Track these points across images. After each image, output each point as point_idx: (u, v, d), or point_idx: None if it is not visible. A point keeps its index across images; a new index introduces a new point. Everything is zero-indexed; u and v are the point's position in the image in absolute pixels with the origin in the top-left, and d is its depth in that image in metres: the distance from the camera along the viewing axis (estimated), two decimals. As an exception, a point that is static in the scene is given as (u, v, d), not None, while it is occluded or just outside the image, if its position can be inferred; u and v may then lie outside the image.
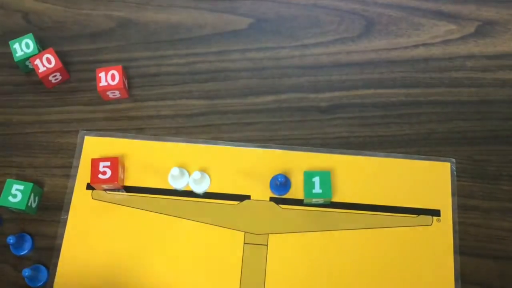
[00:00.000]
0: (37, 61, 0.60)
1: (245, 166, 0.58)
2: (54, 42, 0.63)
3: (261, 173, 0.58)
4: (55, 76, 0.61)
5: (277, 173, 0.57)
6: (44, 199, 0.57)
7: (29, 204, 0.55)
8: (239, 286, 0.54)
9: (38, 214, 0.57)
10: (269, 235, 0.55)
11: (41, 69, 0.60)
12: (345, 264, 0.54)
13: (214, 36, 0.64)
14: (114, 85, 0.59)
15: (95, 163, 0.55)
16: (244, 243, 0.55)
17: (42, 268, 0.54)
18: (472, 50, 0.62)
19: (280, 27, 0.64)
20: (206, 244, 0.55)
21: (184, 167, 0.58)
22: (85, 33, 0.64)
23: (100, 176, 0.55)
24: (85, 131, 0.59)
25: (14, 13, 0.65)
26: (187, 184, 0.57)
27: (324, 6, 0.65)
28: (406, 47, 0.63)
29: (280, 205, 0.57)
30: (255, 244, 0.55)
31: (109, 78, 0.59)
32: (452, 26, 0.63)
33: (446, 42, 0.63)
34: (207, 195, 0.57)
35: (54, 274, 0.54)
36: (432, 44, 0.63)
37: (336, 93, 0.61)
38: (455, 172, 0.57)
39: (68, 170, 0.58)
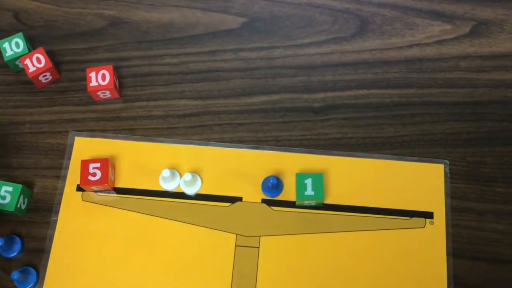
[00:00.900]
0: (27, 61, 0.59)
1: (237, 168, 0.57)
2: (45, 41, 0.63)
3: (253, 174, 0.57)
4: (45, 76, 0.60)
5: (269, 174, 0.56)
6: (34, 200, 0.57)
7: (18, 206, 0.54)
8: (230, 289, 0.53)
9: (28, 215, 0.56)
10: (261, 237, 0.55)
11: (31, 69, 0.59)
12: (337, 267, 0.54)
13: (206, 36, 0.63)
14: (105, 85, 0.58)
15: (84, 164, 0.55)
16: (236, 245, 0.55)
17: (32, 270, 0.54)
18: (467, 50, 0.62)
19: (274, 26, 0.63)
20: (197, 246, 0.55)
21: (175, 168, 0.57)
22: (76, 32, 0.64)
23: (90, 177, 0.54)
24: (75, 132, 0.59)
25: (4, 12, 0.65)
26: (178, 186, 0.57)
27: (318, 6, 0.64)
28: (400, 47, 0.62)
29: (272, 207, 0.56)
30: (247, 246, 0.55)
31: (99, 78, 0.59)
32: (447, 26, 0.63)
33: (440, 42, 0.62)
34: (199, 196, 0.57)
35: (44, 277, 0.54)
36: (427, 44, 0.62)
37: (330, 94, 0.60)
38: (448, 174, 0.57)
39: (59, 171, 0.58)
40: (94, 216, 0.56)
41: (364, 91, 0.60)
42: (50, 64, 0.59)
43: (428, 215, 0.55)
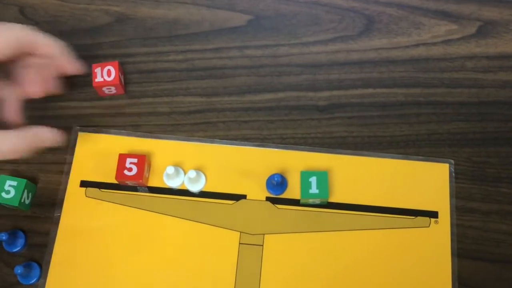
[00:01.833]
0: (32, 56, 0.59)
1: (241, 165, 0.57)
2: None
3: (258, 172, 0.57)
4: (50, 71, 0.60)
5: (273, 172, 0.56)
6: (38, 195, 0.57)
7: (22, 201, 0.54)
8: (233, 287, 0.53)
9: (32, 210, 0.56)
10: (265, 235, 0.55)
11: (36, 63, 0.59)
12: (342, 266, 0.54)
13: (212, 33, 0.63)
14: (110, 81, 0.58)
15: (122, 158, 0.55)
16: (240, 243, 0.54)
17: (35, 265, 0.54)
18: (473, 50, 0.61)
19: (279, 24, 0.63)
20: (201, 243, 0.55)
21: (179, 166, 0.57)
22: (81, 28, 0.64)
23: (126, 172, 0.54)
24: (79, 127, 0.59)
25: (10, 7, 0.65)
26: (182, 183, 0.56)
27: (324, 4, 0.64)
28: (406, 47, 0.62)
29: (276, 205, 0.56)
30: (251, 244, 0.54)
31: (105, 74, 0.58)
32: (453, 26, 0.63)
33: (447, 42, 0.62)
34: (203, 194, 0.56)
35: (47, 272, 0.54)
36: (433, 44, 0.62)
37: (335, 92, 0.60)
38: (453, 174, 0.56)
39: (62, 167, 0.58)
40: (98, 212, 0.56)
41: (370, 90, 0.60)
42: (55, 59, 0.59)
43: (433, 214, 0.55)
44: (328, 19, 0.63)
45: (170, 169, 0.55)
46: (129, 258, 0.54)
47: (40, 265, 0.54)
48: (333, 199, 0.56)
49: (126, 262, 0.54)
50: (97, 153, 0.58)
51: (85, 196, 0.56)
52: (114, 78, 0.58)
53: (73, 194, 0.56)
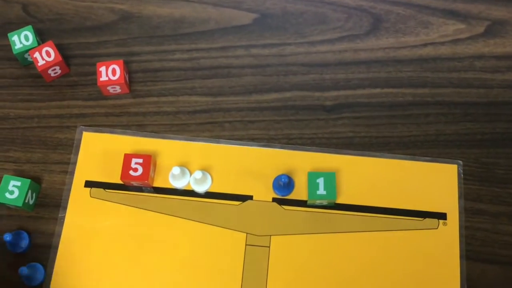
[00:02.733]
0: (37, 54, 0.58)
1: (247, 166, 0.57)
2: (54, 35, 0.62)
3: (264, 173, 0.56)
4: (54, 69, 0.59)
5: (280, 173, 0.56)
6: (42, 195, 0.56)
7: (26, 201, 0.54)
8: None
9: (36, 211, 0.56)
10: (272, 236, 0.54)
11: (41, 62, 0.58)
12: (349, 267, 0.53)
13: (217, 31, 0.62)
14: (115, 80, 0.58)
15: (127, 158, 0.54)
16: (246, 245, 0.54)
17: (39, 266, 0.53)
18: (482, 50, 0.61)
19: (286, 23, 0.63)
20: (207, 245, 0.54)
21: (185, 166, 0.56)
22: (86, 26, 0.63)
23: (131, 172, 0.54)
24: (83, 127, 0.58)
25: (13, 4, 0.64)
26: (188, 183, 0.56)
27: (331, 3, 0.63)
28: (414, 46, 0.61)
29: (283, 206, 0.55)
30: (257, 245, 0.54)
31: (109, 73, 0.58)
32: (461, 26, 0.62)
33: (455, 41, 0.61)
34: (209, 194, 0.56)
35: (51, 273, 0.53)
36: (441, 43, 0.61)
37: (342, 92, 0.60)
38: (462, 175, 0.56)
39: (67, 166, 0.57)
40: (103, 213, 0.55)
41: (378, 90, 0.60)
42: (59, 58, 0.58)
43: (441, 216, 0.55)
44: (335, 18, 0.63)
45: (176, 170, 0.54)
46: (134, 259, 0.54)
47: (44, 266, 0.53)
48: (341, 200, 0.55)
49: (131, 263, 0.53)
50: (101, 153, 0.57)
51: (89, 196, 0.56)
52: (119, 77, 0.58)
53: (78, 194, 0.56)
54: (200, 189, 0.55)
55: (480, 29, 0.62)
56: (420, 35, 0.62)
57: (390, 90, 0.60)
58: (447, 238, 0.54)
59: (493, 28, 0.62)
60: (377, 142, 0.58)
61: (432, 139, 0.58)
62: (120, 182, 0.55)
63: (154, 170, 0.56)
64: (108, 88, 0.59)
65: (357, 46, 0.61)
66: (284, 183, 0.54)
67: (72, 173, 0.57)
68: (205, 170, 0.56)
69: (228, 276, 0.53)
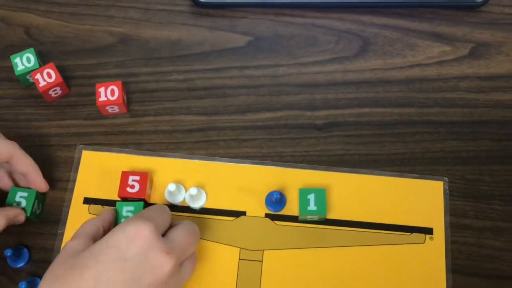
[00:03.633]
0: (38, 76, 0.61)
1: (241, 182, 0.59)
2: (55, 57, 0.64)
3: (257, 189, 0.58)
4: (55, 90, 0.61)
5: (273, 189, 0.57)
6: (42, 211, 0.58)
7: (33, 211, 0.55)
8: (233, 302, 0.54)
9: (36, 227, 0.57)
10: (264, 251, 0.56)
11: (42, 83, 0.60)
12: (339, 281, 0.55)
13: (212, 53, 0.65)
14: (114, 100, 0.60)
15: (124, 175, 0.56)
16: (239, 259, 0.56)
17: (39, 281, 0.55)
18: (466, 71, 0.63)
19: (278, 45, 0.65)
20: (201, 259, 0.56)
21: (181, 183, 0.58)
22: (86, 48, 0.65)
23: (128, 189, 0.56)
24: (82, 146, 0.60)
25: (16, 28, 0.66)
26: (184, 200, 0.58)
27: (321, 26, 0.66)
28: (401, 67, 0.64)
29: (275, 222, 0.57)
30: (250, 260, 0.56)
31: (108, 93, 0.60)
32: (447, 48, 0.64)
33: (440, 63, 0.64)
34: (204, 210, 0.58)
35: None
36: (427, 65, 0.64)
37: (332, 111, 0.62)
38: (447, 191, 0.58)
39: (67, 184, 0.59)
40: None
41: (366, 109, 0.62)
42: (60, 79, 0.61)
43: (428, 231, 0.56)
44: (325, 41, 0.65)
45: (172, 186, 0.56)
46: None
47: (44, 281, 0.55)
48: (331, 215, 0.57)
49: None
50: (100, 171, 0.59)
51: (88, 212, 0.58)
52: (118, 97, 0.60)
53: (77, 210, 0.58)
54: (196, 205, 0.57)
55: (465, 51, 0.64)
56: (407, 57, 0.64)
57: (379, 109, 0.62)
58: (433, 252, 0.56)
59: (477, 50, 0.64)
60: (366, 159, 0.60)
61: (419, 156, 0.60)
62: (118, 198, 0.57)
63: (151, 187, 0.58)
64: (107, 108, 0.61)
65: (346, 68, 0.64)
66: (276, 199, 0.56)
67: (71, 190, 0.58)
68: (200, 186, 0.58)
69: (222, 290, 0.55)
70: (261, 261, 0.56)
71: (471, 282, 0.55)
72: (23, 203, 0.55)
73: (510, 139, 0.60)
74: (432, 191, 0.58)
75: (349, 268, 0.55)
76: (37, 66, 0.61)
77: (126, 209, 0.55)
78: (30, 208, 0.55)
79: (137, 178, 0.56)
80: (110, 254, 0.45)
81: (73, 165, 0.59)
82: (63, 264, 0.46)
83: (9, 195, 0.55)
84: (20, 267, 0.56)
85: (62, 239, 0.57)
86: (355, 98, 0.62)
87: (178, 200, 0.58)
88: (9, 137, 0.61)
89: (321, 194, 0.56)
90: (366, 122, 0.61)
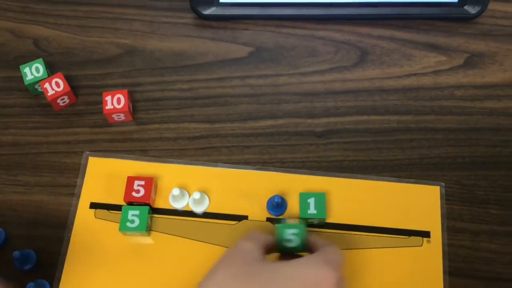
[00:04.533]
0: (47, 85, 0.63)
1: (243, 188, 0.60)
2: (63, 67, 0.66)
3: (259, 194, 0.60)
4: (63, 99, 0.63)
5: (274, 194, 0.59)
6: (49, 216, 0.60)
7: (147, 226, 0.57)
8: (236, 303, 0.55)
9: (43, 231, 0.59)
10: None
11: (50, 92, 0.62)
12: (339, 283, 0.56)
13: (215, 64, 0.67)
14: (120, 108, 0.62)
15: (130, 180, 0.58)
16: (242, 262, 0.57)
17: (45, 283, 0.56)
18: (461, 80, 0.65)
19: (279, 56, 0.67)
20: (204, 262, 0.56)
21: (184, 188, 0.60)
22: (93, 59, 0.67)
23: (134, 194, 0.57)
24: (89, 152, 0.62)
25: (25, 40, 0.69)
26: (187, 204, 0.59)
27: (321, 37, 0.68)
28: (398, 77, 0.66)
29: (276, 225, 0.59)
30: (252, 262, 0.57)
31: (115, 102, 0.62)
32: (442, 58, 0.67)
33: (436, 72, 0.66)
34: (206, 215, 0.59)
35: (57, 289, 0.56)
36: (423, 74, 0.66)
37: (332, 119, 0.64)
38: (444, 196, 0.59)
39: (73, 189, 0.61)
40: (106, 233, 0.58)
41: (365, 117, 0.64)
42: (68, 88, 0.63)
43: (425, 234, 0.58)
44: (324, 51, 0.67)
45: (176, 191, 0.58)
46: (135, 275, 0.57)
47: (50, 284, 0.56)
48: (330, 219, 0.59)
49: (133, 279, 0.56)
50: (106, 177, 0.61)
51: (94, 217, 0.59)
52: (124, 105, 0.62)
53: (83, 215, 0.59)
54: (199, 209, 0.59)
55: (460, 60, 0.66)
56: (404, 66, 0.66)
57: (377, 117, 0.64)
58: (431, 255, 0.57)
59: (471, 60, 0.66)
60: (364, 165, 0.61)
61: (416, 162, 0.61)
62: (124, 203, 0.59)
63: (155, 192, 0.60)
64: (113, 116, 0.63)
65: (345, 77, 0.66)
66: (277, 203, 0.57)
67: (78, 196, 0.60)
68: (203, 192, 0.60)
69: (225, 292, 0.56)
70: (263, 264, 0.57)
71: (468, 284, 0.56)
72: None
73: (504, 145, 0.62)
74: (429, 195, 0.60)
75: (348, 270, 0.56)
76: (46, 75, 0.63)
77: (131, 213, 0.57)
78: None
79: (142, 183, 0.58)
80: (293, 286, 0.44)
81: (79, 171, 0.61)
82: (243, 267, 0.46)
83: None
84: (27, 269, 0.57)
85: (68, 242, 0.58)
86: (353, 106, 0.64)
87: (181, 205, 0.59)
88: (17, 144, 0.63)
89: (321, 198, 0.57)
90: (364, 129, 0.63)
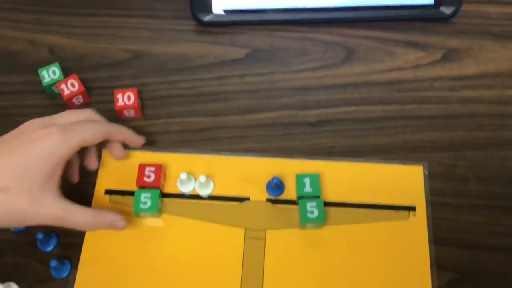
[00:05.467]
0: (63, 85, 0.69)
1: (244, 173, 0.66)
2: (77, 71, 0.72)
3: (259, 178, 0.65)
4: (78, 98, 0.69)
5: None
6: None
7: (158, 207, 0.62)
8: (240, 274, 0.61)
9: (62, 216, 0.64)
10: (267, 230, 0.63)
11: (66, 92, 0.69)
12: (335, 255, 0.61)
13: (216, 64, 0.73)
14: (130, 104, 0.68)
15: (141, 167, 0.64)
16: (245, 238, 0.62)
17: (66, 261, 0.61)
18: (439, 73, 0.72)
19: (273, 56, 0.74)
20: (211, 239, 0.62)
21: (191, 174, 0.66)
22: (103, 63, 0.74)
23: (145, 179, 0.63)
24: (103, 145, 0.68)
25: (41, 47, 0.75)
26: (194, 188, 0.65)
27: (311, 39, 0.75)
28: (382, 71, 0.72)
29: (276, 205, 0.64)
30: (255, 238, 0.62)
31: (125, 99, 0.68)
32: (422, 54, 0.73)
33: (416, 67, 0.72)
34: (211, 197, 0.65)
35: (77, 267, 0.61)
36: (405, 69, 0.72)
37: (323, 110, 0.70)
38: (427, 175, 0.65)
39: (89, 179, 0.66)
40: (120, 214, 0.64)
41: (353, 108, 0.70)
42: (82, 88, 0.69)
43: (411, 208, 0.63)
44: (314, 51, 0.74)
45: (184, 175, 0.63)
46: (148, 253, 0.62)
47: (71, 262, 0.62)
48: (325, 198, 0.64)
49: (145, 255, 0.62)
50: (119, 166, 0.66)
51: (109, 202, 0.65)
52: (133, 102, 0.68)
53: (99, 201, 0.65)
54: (204, 192, 0.65)
55: (438, 56, 0.73)
56: (387, 62, 0.73)
57: (364, 107, 0.70)
58: (417, 227, 0.63)
59: (448, 55, 0.73)
60: (354, 150, 0.67)
61: (400, 146, 0.67)
62: (135, 189, 0.64)
63: (164, 178, 0.65)
64: (124, 112, 0.69)
65: (334, 73, 0.72)
66: (276, 184, 0.63)
67: (93, 184, 0.66)
68: (208, 177, 0.65)
69: (230, 265, 0.61)
70: (264, 239, 0.62)
71: (452, 251, 0.62)
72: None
73: (480, 129, 0.68)
74: (413, 174, 0.65)
75: (343, 243, 0.62)
76: (62, 77, 0.70)
77: (144, 196, 0.62)
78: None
79: (153, 169, 0.64)
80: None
81: (94, 162, 0.67)
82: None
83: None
84: (49, 250, 0.62)
85: (86, 225, 0.63)
86: (342, 99, 0.71)
87: (189, 188, 0.65)
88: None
89: (316, 178, 0.63)
90: (353, 118, 0.69)
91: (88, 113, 0.63)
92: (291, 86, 0.72)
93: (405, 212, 0.63)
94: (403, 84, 0.71)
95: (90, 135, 0.60)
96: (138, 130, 0.69)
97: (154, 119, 0.70)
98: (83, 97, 0.70)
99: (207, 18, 0.75)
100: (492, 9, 0.76)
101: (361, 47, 0.74)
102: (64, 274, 0.61)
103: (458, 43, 0.74)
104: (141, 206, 0.62)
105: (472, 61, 0.73)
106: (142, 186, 0.64)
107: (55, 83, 0.70)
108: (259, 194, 0.65)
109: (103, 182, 0.66)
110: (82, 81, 0.71)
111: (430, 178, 0.65)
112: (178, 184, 0.65)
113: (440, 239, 0.62)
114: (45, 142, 0.57)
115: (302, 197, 0.63)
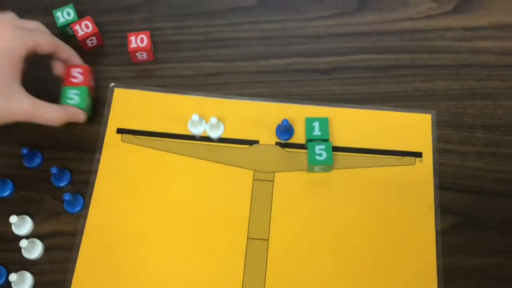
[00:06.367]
0: (77, 26, 0.69)
1: (254, 116, 0.67)
2: (91, 14, 0.73)
3: (268, 122, 0.66)
4: (91, 40, 0.70)
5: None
6: (80, 141, 0.66)
7: (87, 104, 0.64)
8: (248, 214, 0.62)
9: (75, 154, 0.65)
10: (275, 173, 0.64)
11: (80, 33, 0.69)
12: (341, 198, 0.63)
13: (229, 11, 0.74)
14: (143, 47, 0.68)
15: (68, 68, 0.65)
16: (254, 179, 0.64)
17: (79, 197, 0.63)
18: (451, 23, 0.72)
19: (286, 3, 0.74)
20: (222, 180, 0.64)
21: (201, 117, 0.67)
22: (117, 7, 0.74)
23: (72, 79, 0.65)
24: (115, 84, 0.69)
25: (55, -10, 0.75)
26: (204, 130, 0.66)
27: (324, -13, 0.75)
28: (395, 21, 0.72)
29: (285, 148, 0.65)
30: (263, 180, 0.64)
31: (138, 41, 0.69)
32: (434, 4, 0.73)
33: (428, 17, 0.73)
34: (222, 140, 0.66)
35: (89, 203, 0.63)
36: (417, 19, 0.72)
37: (334, 58, 0.70)
38: (435, 122, 0.66)
39: (101, 118, 0.67)
40: (132, 155, 0.65)
41: (364, 56, 0.70)
42: (96, 29, 0.69)
43: (418, 154, 0.65)
44: (327, -1, 0.74)
45: (195, 116, 0.64)
46: (159, 191, 0.63)
47: (83, 198, 0.63)
48: (333, 143, 0.65)
49: (156, 194, 0.63)
50: (130, 105, 0.67)
51: (121, 141, 0.66)
52: (146, 44, 0.69)
53: (111, 139, 0.66)
54: (215, 134, 0.66)
55: (450, 6, 0.73)
56: (400, 11, 0.73)
57: (375, 55, 0.70)
58: (423, 172, 0.64)
59: (460, 6, 0.73)
60: (363, 97, 0.68)
61: (410, 94, 0.68)
62: (147, 129, 0.65)
63: (94, 81, 0.67)
64: (137, 54, 0.69)
65: (346, 22, 0.73)
66: (285, 127, 0.64)
67: (105, 123, 0.67)
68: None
69: (239, 205, 0.62)
70: (273, 181, 0.64)
71: (456, 196, 0.63)
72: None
73: (489, 79, 0.69)
74: (422, 122, 0.66)
75: (350, 186, 0.63)
76: (76, 19, 0.70)
77: (71, 92, 0.64)
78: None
79: (80, 70, 0.65)
80: None
81: (106, 102, 0.68)
82: None
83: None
84: (62, 185, 0.64)
85: (98, 163, 0.65)
86: (354, 47, 0.71)
87: (199, 130, 0.66)
88: (51, 80, 0.69)
89: (325, 122, 0.64)
90: (363, 66, 0.70)
91: (39, 25, 0.64)
92: (303, 34, 0.72)
93: (412, 158, 0.64)
94: (415, 33, 0.72)
95: (43, 40, 0.62)
96: (150, 74, 0.70)
97: (166, 63, 0.71)
98: (97, 39, 0.71)
99: (220, -36, 0.75)
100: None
101: (374, -4, 0.74)
102: (77, 209, 0.62)
103: (471, -6, 0.74)
104: (68, 101, 0.63)
105: (484, 12, 0.73)
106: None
107: (69, 24, 0.70)
108: (268, 137, 0.66)
109: (115, 120, 0.67)
110: (96, 24, 0.71)
111: (438, 126, 0.66)
112: (189, 126, 0.66)
113: (445, 184, 0.63)
114: (2, 37, 0.59)
115: (311, 140, 0.64)
